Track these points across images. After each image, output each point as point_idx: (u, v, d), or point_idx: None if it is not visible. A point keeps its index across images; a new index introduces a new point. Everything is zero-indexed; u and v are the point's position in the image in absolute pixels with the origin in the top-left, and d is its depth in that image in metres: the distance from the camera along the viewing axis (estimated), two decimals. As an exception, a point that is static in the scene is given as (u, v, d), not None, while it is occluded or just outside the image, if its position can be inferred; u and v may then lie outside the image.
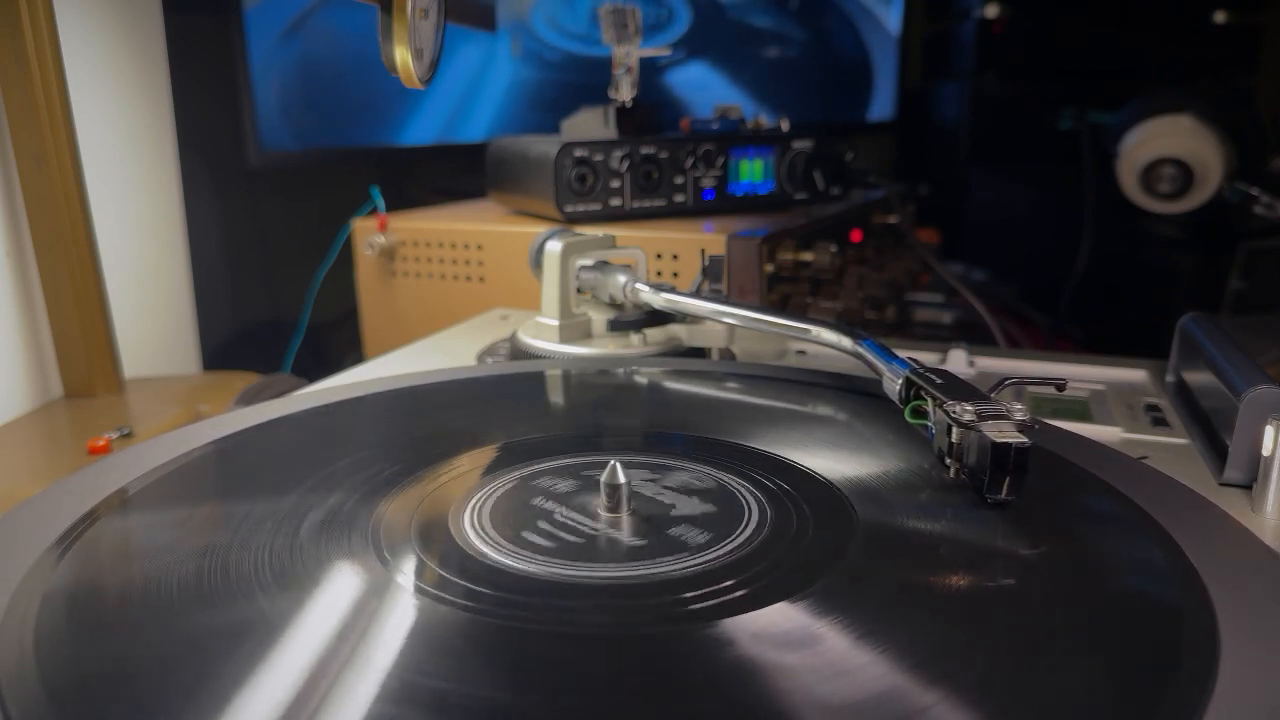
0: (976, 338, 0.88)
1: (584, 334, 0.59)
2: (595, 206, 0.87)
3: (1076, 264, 1.43)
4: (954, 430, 0.35)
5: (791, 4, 1.57)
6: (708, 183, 0.91)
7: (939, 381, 0.38)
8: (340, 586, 0.29)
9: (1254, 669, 0.25)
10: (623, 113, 0.90)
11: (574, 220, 0.86)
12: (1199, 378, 0.51)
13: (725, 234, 0.77)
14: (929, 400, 0.38)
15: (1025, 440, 0.33)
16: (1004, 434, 0.33)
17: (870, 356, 0.44)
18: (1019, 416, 0.34)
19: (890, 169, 1.81)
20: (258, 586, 0.29)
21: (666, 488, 0.36)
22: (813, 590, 0.28)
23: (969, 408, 0.35)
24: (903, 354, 0.43)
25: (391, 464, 0.39)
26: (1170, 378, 0.57)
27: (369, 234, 0.91)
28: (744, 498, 0.35)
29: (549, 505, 0.35)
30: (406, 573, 0.30)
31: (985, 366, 0.61)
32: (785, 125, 0.97)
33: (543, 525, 0.33)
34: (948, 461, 0.36)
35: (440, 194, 1.14)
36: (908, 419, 0.40)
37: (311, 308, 1.00)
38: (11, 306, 0.68)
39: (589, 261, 0.59)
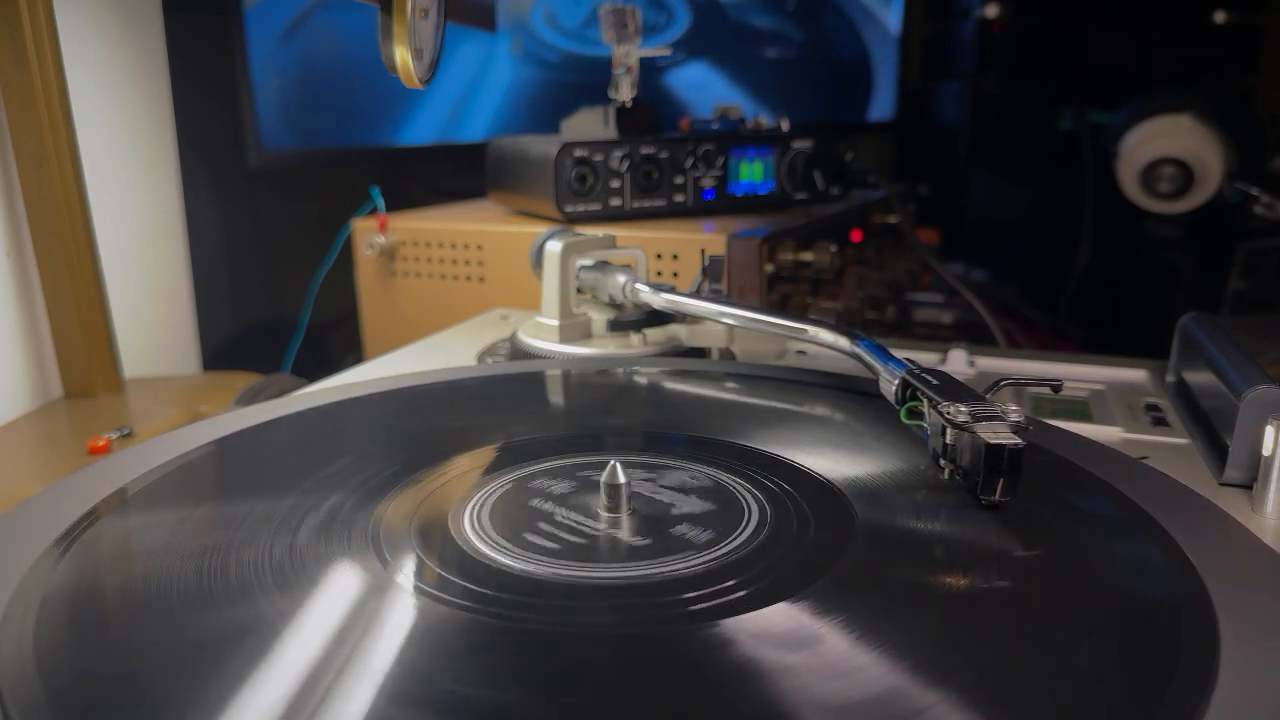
0: (976, 338, 0.88)
1: (584, 334, 0.59)
2: (595, 206, 0.87)
3: (1076, 264, 1.43)
4: (948, 431, 0.35)
5: (791, 4, 1.57)
6: (708, 183, 0.91)
7: (934, 382, 0.38)
8: (340, 587, 0.29)
9: (1254, 669, 0.25)
10: (623, 113, 0.90)
11: (574, 220, 0.86)
12: (1199, 378, 0.51)
13: (725, 234, 0.77)
14: (924, 401, 0.38)
15: (1019, 442, 0.33)
16: (998, 435, 0.33)
17: (867, 357, 0.44)
18: (1013, 418, 0.34)
19: (890, 169, 1.81)
20: (258, 587, 0.29)
21: (666, 487, 0.36)
22: (813, 590, 0.28)
23: (963, 409, 0.35)
24: (901, 354, 0.43)
25: (391, 464, 0.39)
26: (1170, 378, 0.57)
27: (369, 234, 0.91)
28: (744, 498, 0.35)
29: (549, 505, 0.35)
30: (406, 573, 0.30)
31: (985, 366, 0.61)
32: (785, 125, 0.97)
33: (543, 525, 0.33)
34: (942, 463, 0.36)
35: (440, 194, 1.14)
36: (903, 420, 0.39)
37: (311, 308, 1.00)
38: (11, 306, 0.68)
39: (589, 261, 0.59)
